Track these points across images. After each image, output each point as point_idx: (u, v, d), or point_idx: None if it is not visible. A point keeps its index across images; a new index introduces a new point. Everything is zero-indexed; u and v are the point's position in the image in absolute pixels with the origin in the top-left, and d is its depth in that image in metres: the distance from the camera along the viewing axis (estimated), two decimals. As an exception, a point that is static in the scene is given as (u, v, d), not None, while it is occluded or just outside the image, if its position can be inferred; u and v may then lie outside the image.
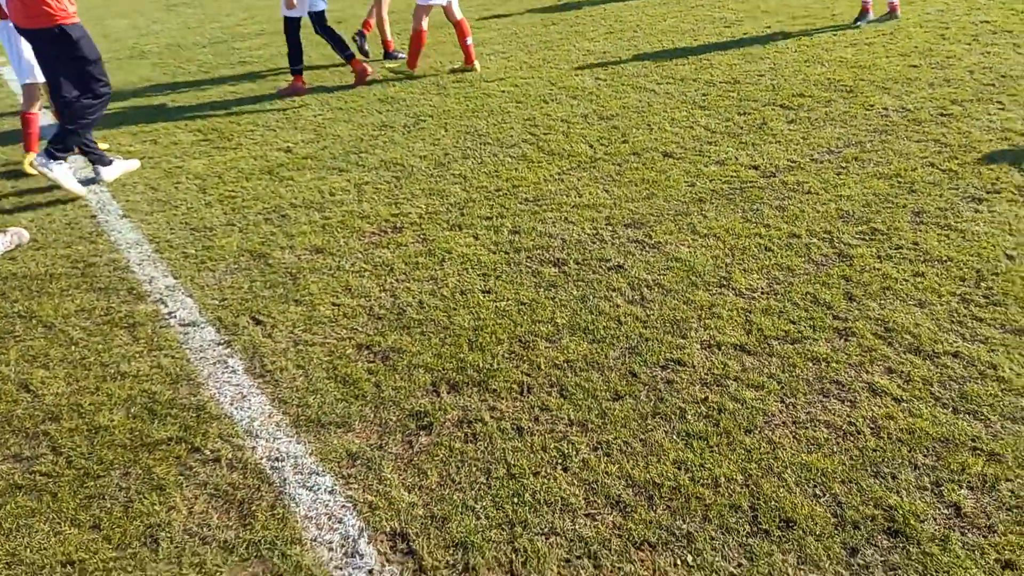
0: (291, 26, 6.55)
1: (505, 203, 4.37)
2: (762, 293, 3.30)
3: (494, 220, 4.18)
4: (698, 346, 2.99)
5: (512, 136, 5.38)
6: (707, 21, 8.12)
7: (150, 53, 9.12)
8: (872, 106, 5.29)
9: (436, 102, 6.25)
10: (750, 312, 3.17)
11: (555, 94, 6.21)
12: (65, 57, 4.62)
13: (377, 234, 4.15)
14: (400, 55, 7.61)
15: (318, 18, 6.58)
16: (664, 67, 6.65)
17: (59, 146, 4.66)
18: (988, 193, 3.94)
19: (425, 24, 6.85)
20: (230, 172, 5.12)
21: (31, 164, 5.04)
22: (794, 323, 3.08)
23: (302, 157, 5.30)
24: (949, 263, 3.36)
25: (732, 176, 4.45)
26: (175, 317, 3.48)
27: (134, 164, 5.26)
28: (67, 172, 4.75)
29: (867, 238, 3.64)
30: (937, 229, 3.65)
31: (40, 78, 5.06)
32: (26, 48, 5.02)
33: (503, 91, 6.39)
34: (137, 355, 3.21)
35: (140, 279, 3.83)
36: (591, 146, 5.09)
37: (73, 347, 3.29)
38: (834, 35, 7.11)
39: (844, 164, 4.46)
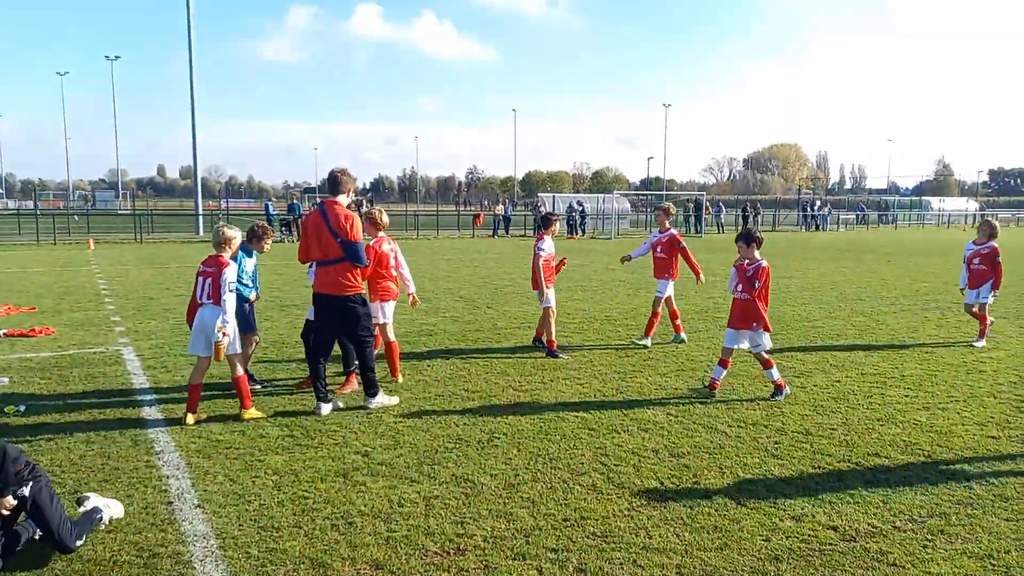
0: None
1: (572, 535, 4.29)
2: None
3: (560, 553, 4.08)
4: None
5: (583, 463, 5.45)
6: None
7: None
8: (953, 475, 5.19)
9: (511, 421, 6.47)
10: None
11: (627, 425, 6.37)
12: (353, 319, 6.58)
13: (440, 554, 4.09)
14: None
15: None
16: (735, 409, 6.81)
17: (372, 390, 6.73)
18: (1095, 589, 3.65)
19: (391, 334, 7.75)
20: (307, 471, 5.27)
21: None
22: None
23: (377, 463, 5.44)
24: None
25: (809, 535, 4.30)
26: (226, 624, 3.38)
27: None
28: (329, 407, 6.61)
29: (964, 627, 3.36)
30: (1043, 626, 3.35)
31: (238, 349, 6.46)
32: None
33: (576, 416, 6.60)
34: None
35: (200, 576, 3.81)
36: (662, 483, 5.08)
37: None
38: (906, 396, 7.23)
39: (930, 537, 4.27)
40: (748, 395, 7.31)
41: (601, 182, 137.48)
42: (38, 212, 39.38)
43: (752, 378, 7.97)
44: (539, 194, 65.60)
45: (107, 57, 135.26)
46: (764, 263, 7.19)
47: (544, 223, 9.34)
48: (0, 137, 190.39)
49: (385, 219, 7.78)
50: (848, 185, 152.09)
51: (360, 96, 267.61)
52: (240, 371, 6.47)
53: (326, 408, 6.61)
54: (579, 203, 43.73)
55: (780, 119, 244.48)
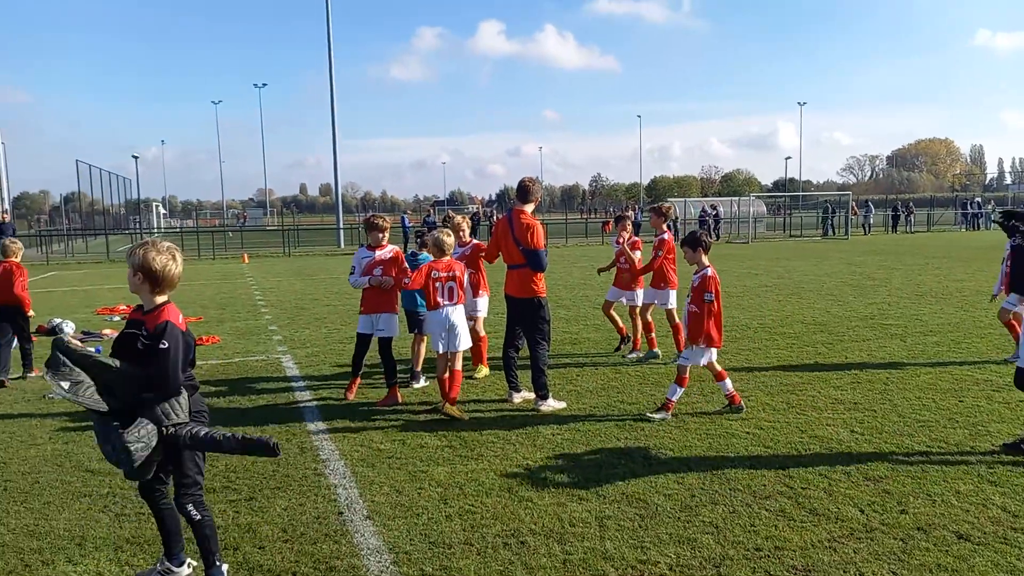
0: (384, 345, 7.31)
1: (770, 568, 3.86)
2: None
3: (758, 588, 3.66)
4: None
5: (765, 485, 4.97)
6: (970, 382, 7.52)
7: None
8: None
9: (675, 436, 6.05)
10: None
11: (806, 443, 5.80)
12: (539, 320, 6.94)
13: (623, 582, 3.77)
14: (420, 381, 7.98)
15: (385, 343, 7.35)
16: (931, 428, 6.07)
17: (543, 392, 6.89)
18: None
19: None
20: (471, 484, 5.10)
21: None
22: None
23: (541, 477, 5.20)
24: None
25: (1061, 580, 3.64)
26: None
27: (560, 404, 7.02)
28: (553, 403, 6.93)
29: None
30: None
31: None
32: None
33: (747, 432, 6.09)
34: None
35: (377, 592, 3.68)
36: (862, 511, 4.52)
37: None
38: None
39: None
40: (946, 412, 6.52)
41: (731, 185, 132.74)
42: (198, 230, 42.62)
43: (951, 393, 7.14)
44: (668, 199, 64.12)
45: (255, 85, 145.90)
46: (710, 271, 6.47)
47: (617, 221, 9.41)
48: (165, 163, 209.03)
49: (465, 226, 8.14)
50: (1009, 180, 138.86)
51: (485, 110, 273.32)
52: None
53: (519, 397, 7.17)
54: (712, 207, 42.28)
55: (926, 114, 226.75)
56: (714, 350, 6.58)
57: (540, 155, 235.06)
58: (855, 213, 42.52)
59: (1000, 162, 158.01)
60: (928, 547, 4.04)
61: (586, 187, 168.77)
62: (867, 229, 42.20)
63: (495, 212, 60.02)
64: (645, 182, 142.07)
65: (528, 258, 6.79)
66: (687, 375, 6.59)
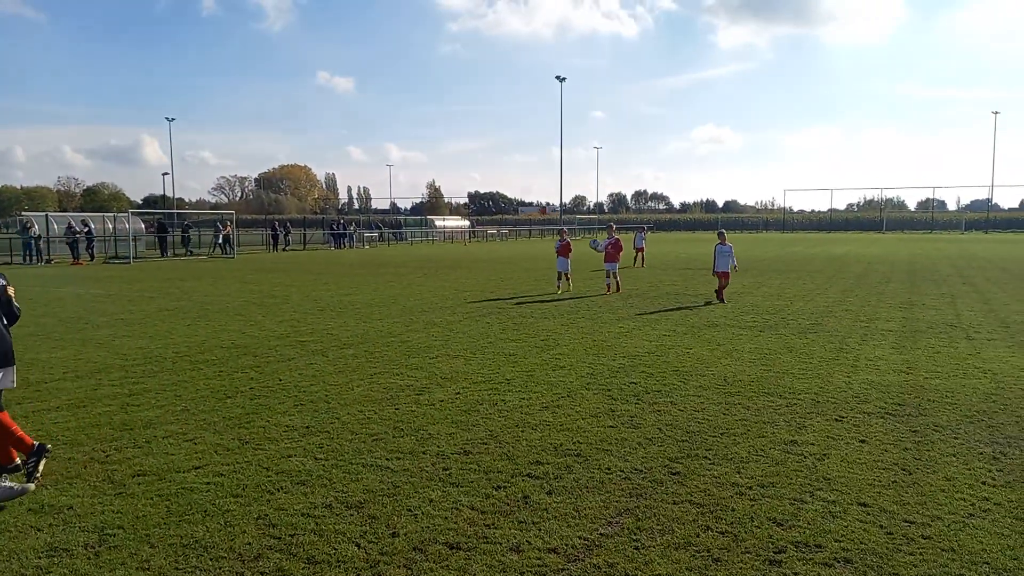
0: None
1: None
2: None
3: None
4: None
5: (249, 544, 4.31)
6: (397, 389, 8.15)
7: None
8: None
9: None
10: None
11: (276, 480, 5.33)
12: None
13: None
14: None
15: None
16: (383, 441, 6.28)
17: None
18: None
19: None
20: None
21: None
22: None
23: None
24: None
25: (540, 564, 4.04)
26: None
27: None
28: None
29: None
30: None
31: None
32: None
33: (207, 483, 5.28)
34: None
35: None
36: (359, 546, 4.29)
37: None
38: None
39: None
40: (391, 422, 6.85)
41: (97, 200, 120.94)
42: None
43: (387, 402, 7.54)
44: (21, 213, 54.41)
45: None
46: None
47: None
48: None
49: None
50: (356, 205, 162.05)
51: None
52: None
53: None
54: (84, 223, 37.60)
55: (286, 141, 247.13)
56: None
57: None
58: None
59: (349, 189, 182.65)
60: (431, 567, 4.05)
61: None
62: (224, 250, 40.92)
63: None
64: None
65: None
66: None
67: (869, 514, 4.71)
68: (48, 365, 9.44)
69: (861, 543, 4.31)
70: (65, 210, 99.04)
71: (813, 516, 4.68)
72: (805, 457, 5.79)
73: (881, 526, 4.54)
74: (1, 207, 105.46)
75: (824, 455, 5.84)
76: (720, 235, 16.77)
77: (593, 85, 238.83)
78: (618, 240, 18.54)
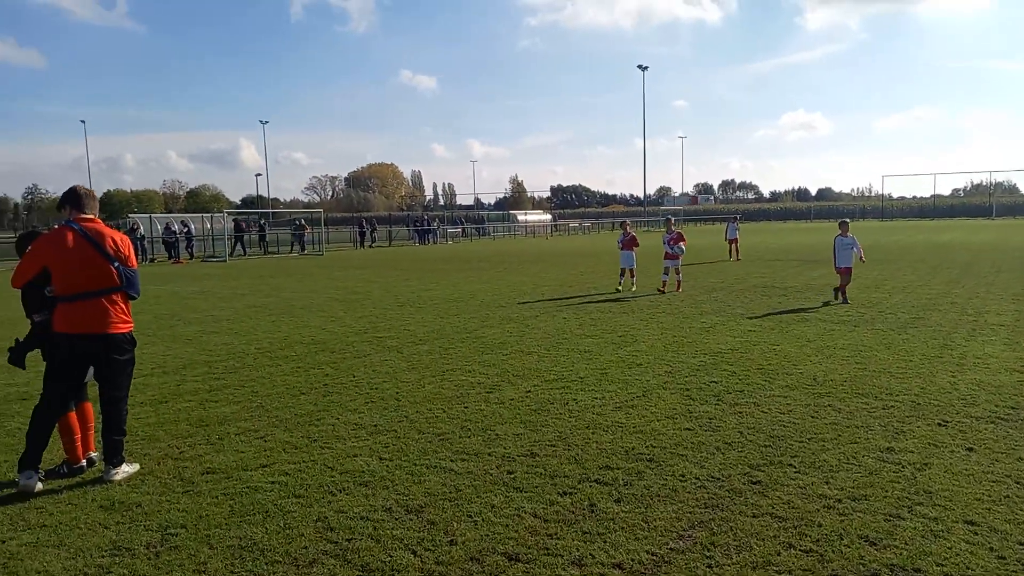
0: None
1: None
2: None
3: None
4: None
5: (305, 548, 4.23)
6: (467, 387, 8.01)
7: None
8: None
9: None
10: None
11: (339, 482, 5.26)
12: None
13: None
14: None
15: None
16: (449, 441, 6.13)
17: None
18: None
19: None
20: None
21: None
22: None
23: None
24: None
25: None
26: None
27: None
28: None
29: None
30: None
31: None
32: None
33: (271, 482, 5.26)
34: None
35: None
36: (414, 553, 4.14)
37: None
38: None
39: None
40: (459, 420, 6.71)
41: (199, 201, 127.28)
42: None
43: (456, 400, 7.41)
44: (129, 215, 57.81)
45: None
46: None
47: None
48: None
49: None
50: (442, 201, 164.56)
51: None
52: None
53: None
54: (183, 224, 39.48)
55: (373, 139, 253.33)
56: None
57: None
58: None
59: (434, 185, 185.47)
60: (487, 578, 3.85)
61: (19, 200, 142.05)
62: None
63: None
64: (99, 195, 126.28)
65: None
66: None
67: (977, 534, 4.21)
68: (139, 361, 9.75)
69: (967, 568, 3.84)
70: (170, 211, 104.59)
71: (912, 535, 4.22)
72: (903, 467, 5.28)
73: (991, 548, 4.04)
74: (113, 210, 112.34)
75: (925, 465, 5.31)
76: (841, 225, 14.50)
77: (675, 74, 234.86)
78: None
